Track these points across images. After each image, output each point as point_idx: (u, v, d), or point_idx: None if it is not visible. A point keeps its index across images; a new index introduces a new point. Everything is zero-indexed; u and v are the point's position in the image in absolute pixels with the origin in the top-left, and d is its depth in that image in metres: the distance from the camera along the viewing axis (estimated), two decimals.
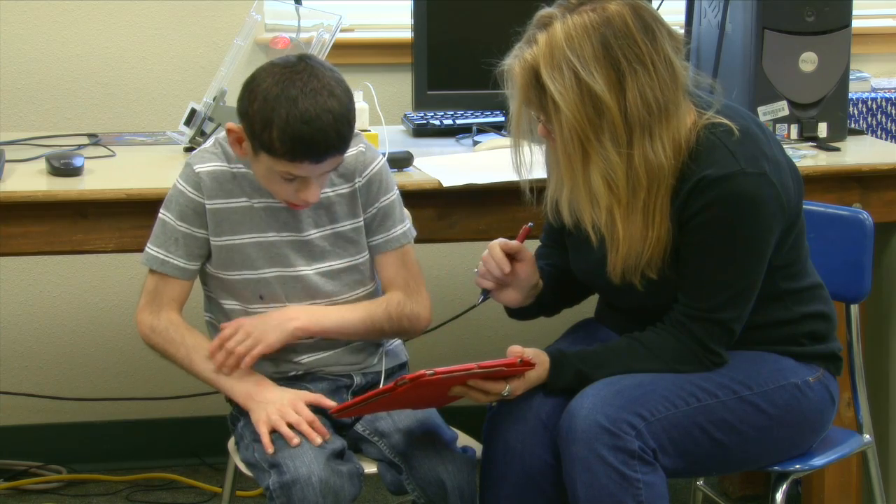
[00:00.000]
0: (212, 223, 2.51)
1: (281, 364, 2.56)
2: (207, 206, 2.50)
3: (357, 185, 2.55)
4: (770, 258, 2.43)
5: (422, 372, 2.29)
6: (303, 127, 2.34)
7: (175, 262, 2.52)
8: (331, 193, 2.53)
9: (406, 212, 2.63)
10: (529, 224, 2.57)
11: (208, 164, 2.51)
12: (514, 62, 2.37)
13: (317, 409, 2.49)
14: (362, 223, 2.57)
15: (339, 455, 2.42)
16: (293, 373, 2.56)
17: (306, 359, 2.56)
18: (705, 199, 2.36)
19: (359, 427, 2.53)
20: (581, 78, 2.30)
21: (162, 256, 2.52)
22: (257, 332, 2.47)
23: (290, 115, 2.34)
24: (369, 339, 2.59)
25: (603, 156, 2.33)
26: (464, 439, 2.58)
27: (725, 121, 2.39)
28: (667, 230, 2.38)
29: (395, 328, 2.58)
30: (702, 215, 2.36)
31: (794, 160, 3.03)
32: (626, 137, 2.32)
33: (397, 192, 2.60)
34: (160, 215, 2.53)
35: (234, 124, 2.44)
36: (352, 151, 2.53)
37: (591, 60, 2.30)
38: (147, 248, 2.54)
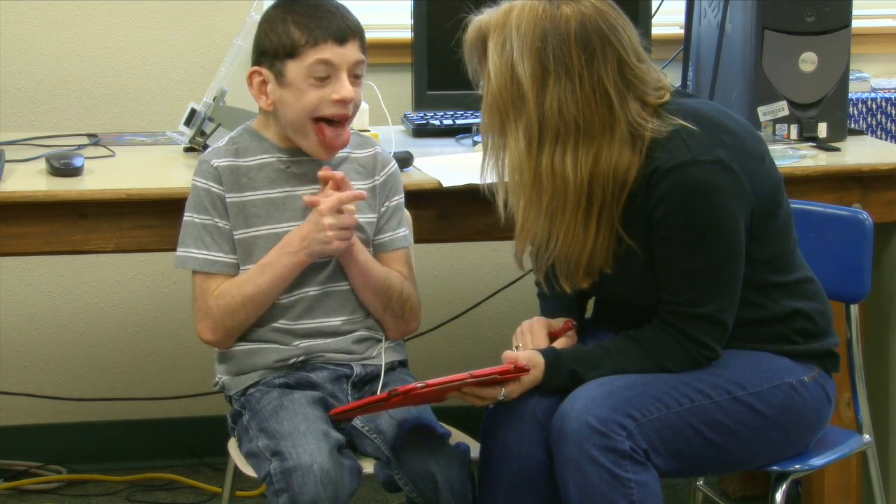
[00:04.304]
0: (231, 216, 2.54)
1: (283, 351, 2.57)
2: (227, 200, 2.54)
3: (376, 183, 2.61)
4: (753, 252, 2.43)
5: (413, 385, 2.33)
6: (314, 10, 2.48)
7: (224, 259, 2.55)
8: (358, 186, 2.58)
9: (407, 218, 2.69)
10: (574, 322, 2.59)
11: (224, 158, 2.55)
12: (477, 20, 2.43)
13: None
14: (375, 219, 2.62)
15: (339, 450, 2.42)
16: (293, 360, 2.57)
17: (305, 343, 2.57)
18: (660, 191, 2.37)
19: (357, 422, 2.54)
20: (514, 60, 2.35)
21: (211, 257, 2.54)
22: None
23: (298, 5, 2.49)
24: (373, 301, 2.59)
25: (515, 139, 2.37)
26: (461, 438, 2.58)
27: (685, 123, 2.38)
28: (582, 240, 2.38)
29: (397, 307, 2.61)
30: (660, 208, 2.37)
31: (794, 160, 3.05)
32: (537, 137, 2.36)
33: (403, 196, 2.67)
34: (193, 219, 2.54)
35: (254, 67, 2.53)
36: (369, 151, 2.63)
37: (526, 48, 2.35)
38: (188, 253, 2.54)
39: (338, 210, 2.47)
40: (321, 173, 2.51)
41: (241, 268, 2.55)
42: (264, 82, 2.52)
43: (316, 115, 2.51)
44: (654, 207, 2.37)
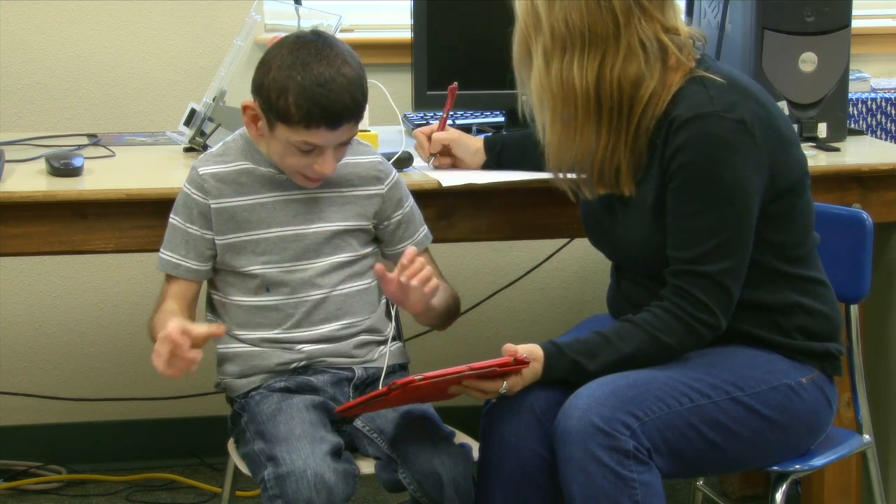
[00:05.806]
0: (217, 222, 2.55)
1: (285, 355, 2.58)
2: (212, 206, 2.54)
3: (382, 193, 2.63)
4: (764, 232, 2.44)
5: (412, 378, 2.33)
6: (318, 90, 2.41)
7: (187, 264, 2.56)
8: (356, 193, 2.60)
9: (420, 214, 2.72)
10: (454, 84, 2.79)
11: (212, 166, 2.56)
12: None
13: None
14: (371, 226, 2.63)
15: (336, 454, 2.43)
16: (295, 364, 2.58)
17: (307, 347, 2.58)
18: (679, 141, 2.41)
19: (359, 423, 2.54)
20: None
21: (175, 260, 2.57)
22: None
23: (305, 79, 2.41)
24: (437, 322, 2.64)
25: (536, 59, 2.45)
26: (463, 438, 2.59)
27: (716, 77, 2.44)
28: (594, 147, 2.46)
29: (455, 309, 2.67)
30: (677, 158, 2.42)
31: None
32: (550, 50, 2.44)
33: (410, 198, 2.69)
34: (170, 219, 2.58)
35: (250, 101, 2.49)
36: (371, 158, 2.64)
37: None
38: (160, 254, 2.58)
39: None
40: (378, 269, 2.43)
41: (231, 269, 2.56)
42: (257, 117, 2.50)
43: (295, 172, 2.53)
44: (671, 156, 2.42)
